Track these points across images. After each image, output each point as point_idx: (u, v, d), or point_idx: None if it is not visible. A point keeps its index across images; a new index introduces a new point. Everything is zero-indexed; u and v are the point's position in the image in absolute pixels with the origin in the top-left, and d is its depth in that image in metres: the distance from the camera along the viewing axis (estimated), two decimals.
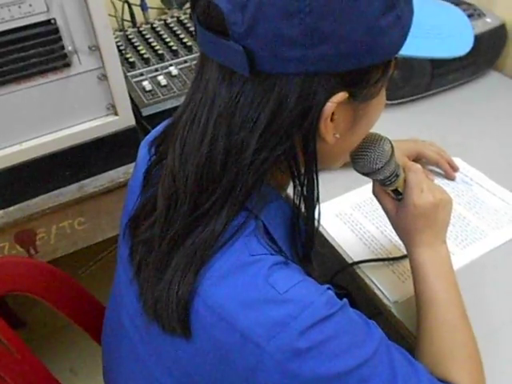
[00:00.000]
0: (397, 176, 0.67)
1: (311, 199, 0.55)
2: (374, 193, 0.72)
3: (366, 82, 0.51)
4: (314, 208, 0.56)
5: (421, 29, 0.51)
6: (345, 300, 0.53)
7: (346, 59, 0.47)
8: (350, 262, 0.84)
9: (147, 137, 0.70)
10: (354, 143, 0.60)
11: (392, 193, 0.69)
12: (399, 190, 0.68)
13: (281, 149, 0.50)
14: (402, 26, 0.49)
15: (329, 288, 0.52)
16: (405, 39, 0.50)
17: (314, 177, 0.54)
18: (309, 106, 0.49)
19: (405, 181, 0.68)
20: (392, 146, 0.66)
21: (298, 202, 0.55)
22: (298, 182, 0.54)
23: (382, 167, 0.65)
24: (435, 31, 0.53)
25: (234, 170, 0.50)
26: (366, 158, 0.64)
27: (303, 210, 0.56)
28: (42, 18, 0.84)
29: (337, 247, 0.87)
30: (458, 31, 0.56)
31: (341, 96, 0.49)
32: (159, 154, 0.61)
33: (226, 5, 0.46)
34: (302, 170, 0.54)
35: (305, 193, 0.55)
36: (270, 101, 0.48)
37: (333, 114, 0.50)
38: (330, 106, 0.49)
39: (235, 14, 0.45)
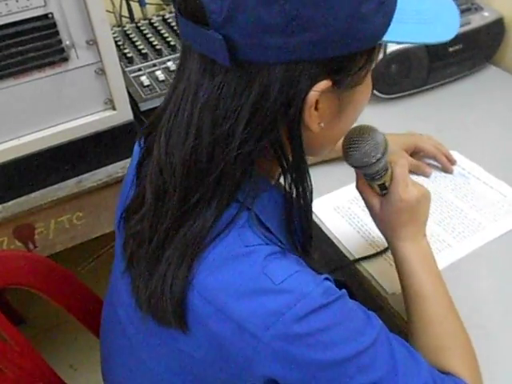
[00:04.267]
0: (386, 170, 0.67)
1: (302, 188, 0.55)
2: (358, 188, 0.71)
3: (349, 70, 0.50)
4: (306, 197, 0.56)
5: (405, 14, 0.50)
6: (343, 290, 0.53)
7: (327, 46, 0.46)
8: (348, 255, 0.84)
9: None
10: (341, 131, 0.59)
11: (377, 187, 0.69)
12: (386, 184, 0.68)
13: (266, 138, 0.50)
14: (385, 11, 0.48)
15: (326, 278, 0.52)
16: (388, 25, 0.49)
17: (302, 165, 0.54)
18: (292, 95, 0.48)
19: (391, 175, 0.68)
20: (386, 140, 0.65)
21: (289, 190, 0.55)
22: (286, 171, 0.54)
23: (377, 160, 0.64)
24: (420, 16, 0.52)
25: (220, 161, 0.50)
26: (362, 151, 0.64)
27: (295, 197, 0.56)
28: (40, 12, 0.84)
29: (335, 240, 0.87)
30: (443, 16, 0.54)
31: (324, 84, 0.49)
32: (147, 146, 0.61)
33: None
34: (290, 159, 0.54)
35: (295, 181, 0.54)
36: (252, 90, 0.47)
37: (317, 102, 0.50)
38: (313, 94, 0.49)
39: (214, 2, 0.45)
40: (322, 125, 0.52)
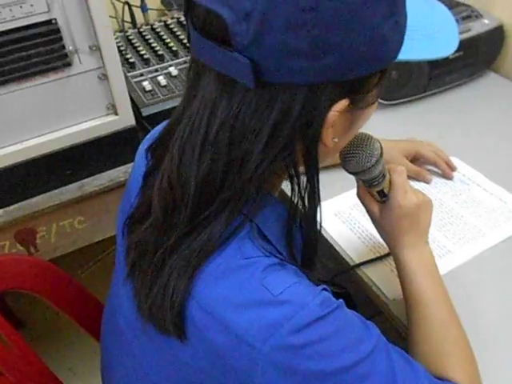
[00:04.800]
0: (384, 176, 0.68)
1: (312, 203, 0.55)
2: (359, 195, 0.72)
3: (365, 88, 0.51)
4: (315, 212, 0.56)
5: (409, 30, 0.51)
6: (341, 300, 0.53)
7: (350, 69, 0.47)
8: (349, 261, 0.84)
9: (145, 138, 0.70)
10: (345, 144, 0.60)
11: (377, 194, 0.70)
12: (384, 191, 0.69)
13: (282, 157, 0.50)
14: (400, 30, 0.50)
15: (324, 289, 0.52)
16: (402, 43, 0.50)
17: (315, 181, 0.54)
18: (312, 116, 0.48)
19: (389, 182, 0.69)
20: (381, 146, 0.66)
21: (294, 205, 0.55)
22: (296, 186, 0.54)
23: (372, 166, 0.65)
24: (422, 32, 0.53)
25: (234, 181, 0.50)
26: (358, 157, 0.65)
27: (301, 212, 0.56)
28: (43, 17, 0.85)
29: (336, 246, 0.87)
30: (445, 29, 0.56)
31: (343, 104, 0.49)
32: (156, 158, 0.60)
33: (228, 14, 0.44)
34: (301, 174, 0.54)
35: (304, 196, 0.54)
36: (273, 111, 0.47)
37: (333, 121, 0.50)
38: (333, 114, 0.49)
39: (239, 24, 0.44)
40: (336, 140, 0.53)
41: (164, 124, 0.62)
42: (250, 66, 0.45)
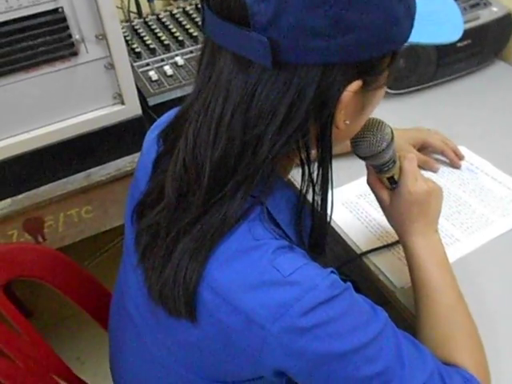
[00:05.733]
0: (394, 162, 0.68)
1: (325, 186, 0.56)
2: (369, 182, 0.72)
3: (378, 70, 0.52)
4: (327, 196, 0.56)
5: (419, 16, 0.51)
6: (348, 283, 0.53)
7: (365, 49, 0.48)
8: (357, 250, 0.84)
9: (153, 126, 0.70)
10: (357, 128, 0.60)
11: (387, 181, 0.70)
12: (395, 177, 0.69)
13: (296, 139, 0.50)
14: (411, 14, 0.50)
15: (332, 271, 0.53)
16: (412, 27, 0.51)
17: (329, 164, 0.54)
18: (327, 96, 0.49)
19: (400, 169, 0.69)
20: (392, 131, 0.66)
21: (304, 189, 0.56)
22: (307, 170, 0.54)
23: (383, 150, 0.65)
24: (430, 18, 0.53)
25: (249, 163, 0.50)
26: (369, 141, 0.65)
27: (312, 196, 0.56)
28: (50, 6, 0.84)
29: (343, 236, 0.87)
30: (451, 16, 0.57)
31: (356, 84, 0.50)
32: (168, 143, 0.61)
33: None
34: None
35: (316, 180, 0.55)
36: (289, 92, 0.48)
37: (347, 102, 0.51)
38: (347, 94, 0.50)
39: (258, 4, 0.45)
40: (348, 122, 0.53)
41: (173, 111, 0.62)
42: (268, 45, 0.45)
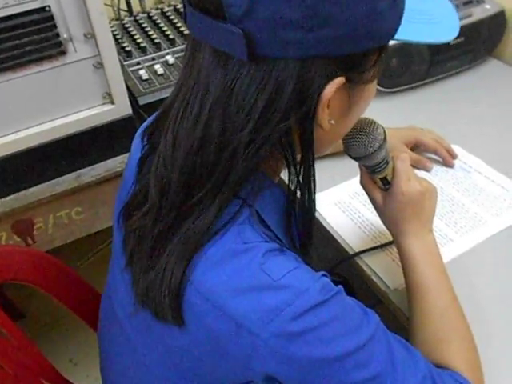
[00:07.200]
0: (387, 163, 0.67)
1: (308, 187, 0.55)
2: (362, 183, 0.72)
3: (362, 67, 0.51)
4: (311, 196, 0.55)
5: (411, 14, 0.50)
6: (340, 286, 0.52)
7: (345, 43, 0.46)
8: (350, 251, 0.83)
9: (142, 126, 0.69)
10: (346, 129, 0.59)
11: (380, 181, 0.69)
12: (388, 178, 0.68)
13: (276, 135, 0.49)
14: (397, 9, 0.49)
15: (324, 275, 0.52)
16: (399, 23, 0.49)
17: (311, 163, 0.53)
18: (307, 92, 0.48)
19: (393, 169, 0.68)
20: (384, 131, 0.66)
21: (292, 190, 0.55)
22: (293, 170, 0.53)
23: (375, 151, 0.64)
24: (425, 17, 0.53)
25: (227, 158, 0.49)
26: (361, 142, 0.64)
27: (299, 197, 0.55)
28: (37, 5, 0.83)
29: (336, 236, 0.86)
30: (445, 17, 0.56)
31: (339, 81, 0.49)
32: (151, 143, 0.60)
33: None
34: (298, 158, 0.53)
35: (300, 180, 0.54)
36: (267, 86, 0.47)
37: (329, 99, 0.50)
38: (329, 91, 0.48)
39: None
40: (333, 122, 0.52)
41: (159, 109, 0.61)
42: (243, 37, 0.45)
